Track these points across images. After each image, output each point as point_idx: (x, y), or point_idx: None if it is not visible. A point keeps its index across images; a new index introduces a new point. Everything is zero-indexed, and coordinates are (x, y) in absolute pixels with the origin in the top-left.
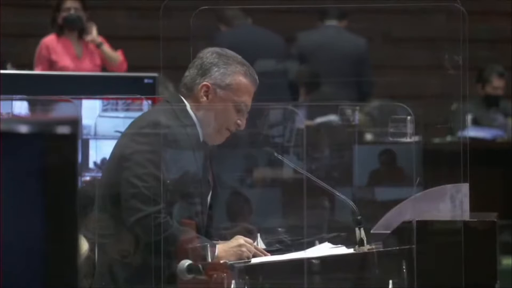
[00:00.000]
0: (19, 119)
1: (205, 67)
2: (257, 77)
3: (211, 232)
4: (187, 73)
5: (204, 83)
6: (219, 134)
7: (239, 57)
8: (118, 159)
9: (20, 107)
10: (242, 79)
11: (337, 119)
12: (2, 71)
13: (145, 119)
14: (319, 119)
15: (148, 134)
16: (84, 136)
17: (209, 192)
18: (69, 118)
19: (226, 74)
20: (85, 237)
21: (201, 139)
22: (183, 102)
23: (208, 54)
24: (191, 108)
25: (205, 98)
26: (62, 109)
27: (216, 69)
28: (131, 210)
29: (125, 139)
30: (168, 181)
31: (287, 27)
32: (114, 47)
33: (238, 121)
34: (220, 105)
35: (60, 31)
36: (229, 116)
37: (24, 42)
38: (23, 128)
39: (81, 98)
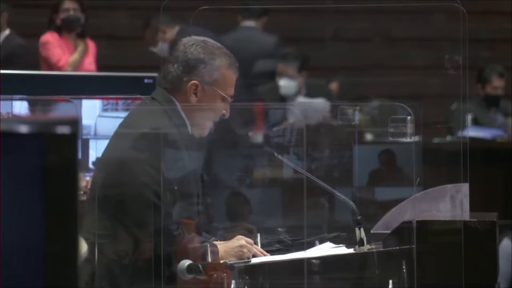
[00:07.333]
0: (19, 119)
1: (190, 64)
2: (237, 64)
3: (210, 231)
4: (171, 69)
5: (193, 82)
6: (207, 128)
7: (222, 47)
8: (118, 165)
9: (20, 107)
10: (227, 72)
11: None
12: (2, 71)
13: (141, 124)
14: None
15: (148, 140)
16: (84, 136)
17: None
18: (69, 118)
19: (212, 70)
20: (84, 238)
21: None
22: (173, 101)
23: (192, 48)
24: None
25: (194, 96)
26: (62, 109)
27: (202, 65)
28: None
29: (123, 145)
30: (172, 185)
31: (286, 27)
32: (114, 47)
33: (224, 111)
34: (210, 105)
35: (58, 32)
36: (217, 110)
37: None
38: (23, 128)
39: (81, 98)
